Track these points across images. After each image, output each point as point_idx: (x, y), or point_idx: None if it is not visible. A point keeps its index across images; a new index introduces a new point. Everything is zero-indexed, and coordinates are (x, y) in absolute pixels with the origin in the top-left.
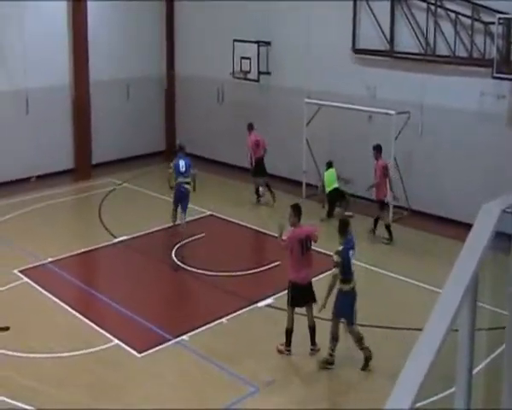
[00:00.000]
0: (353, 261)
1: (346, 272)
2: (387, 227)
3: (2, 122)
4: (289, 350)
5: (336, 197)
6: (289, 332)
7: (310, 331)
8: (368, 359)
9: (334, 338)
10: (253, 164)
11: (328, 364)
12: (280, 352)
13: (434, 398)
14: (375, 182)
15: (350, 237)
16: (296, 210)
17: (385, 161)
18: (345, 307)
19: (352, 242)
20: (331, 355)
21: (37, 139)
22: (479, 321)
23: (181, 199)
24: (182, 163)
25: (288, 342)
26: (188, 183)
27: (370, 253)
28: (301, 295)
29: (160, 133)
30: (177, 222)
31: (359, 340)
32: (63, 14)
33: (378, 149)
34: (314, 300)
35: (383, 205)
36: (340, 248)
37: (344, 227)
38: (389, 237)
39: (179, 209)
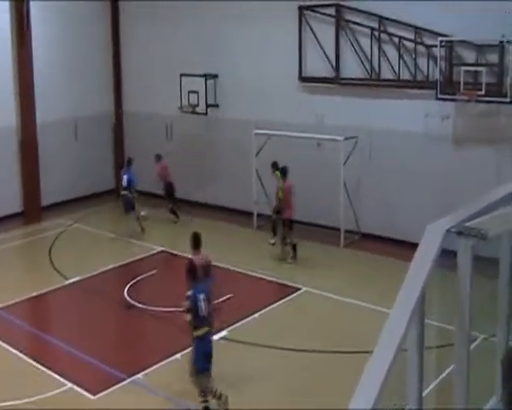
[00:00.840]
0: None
1: (196, 318)
2: (294, 246)
3: None
4: None
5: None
6: None
7: None
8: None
9: (206, 392)
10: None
11: None
12: None
13: None
14: (282, 203)
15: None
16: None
17: (290, 181)
18: (197, 354)
19: (206, 284)
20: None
21: None
22: (428, 338)
23: (127, 206)
24: (125, 177)
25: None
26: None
27: (318, 279)
28: None
29: (109, 171)
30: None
31: (204, 392)
32: (7, 56)
33: (281, 170)
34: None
35: (291, 224)
36: (190, 292)
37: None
38: (293, 256)
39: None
